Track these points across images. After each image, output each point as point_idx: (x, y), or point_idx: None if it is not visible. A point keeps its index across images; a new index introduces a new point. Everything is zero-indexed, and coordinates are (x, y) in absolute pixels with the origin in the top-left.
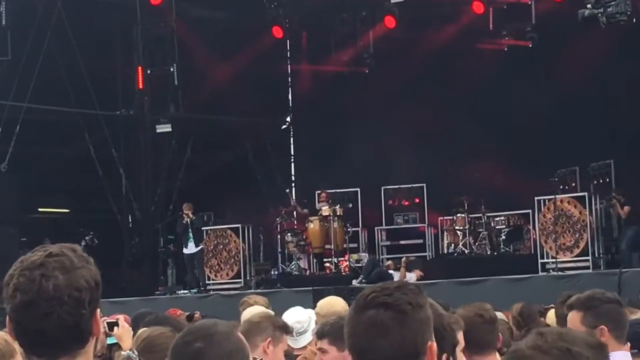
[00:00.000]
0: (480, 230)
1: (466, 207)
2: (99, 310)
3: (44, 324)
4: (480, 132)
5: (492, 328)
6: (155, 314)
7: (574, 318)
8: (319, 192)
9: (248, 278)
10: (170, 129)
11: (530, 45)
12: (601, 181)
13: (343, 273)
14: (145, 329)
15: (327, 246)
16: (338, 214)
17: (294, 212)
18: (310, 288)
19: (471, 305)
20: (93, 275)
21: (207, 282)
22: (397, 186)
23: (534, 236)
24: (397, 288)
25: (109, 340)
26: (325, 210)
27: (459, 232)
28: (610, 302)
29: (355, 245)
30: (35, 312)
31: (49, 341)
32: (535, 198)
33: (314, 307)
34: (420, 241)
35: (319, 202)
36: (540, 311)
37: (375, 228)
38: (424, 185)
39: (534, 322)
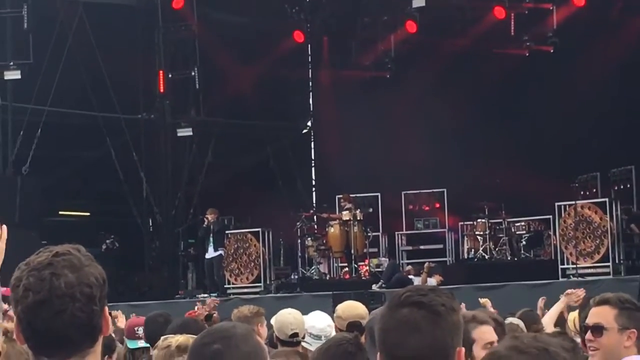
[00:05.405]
0: (501, 235)
1: (487, 213)
2: (107, 307)
3: (57, 322)
4: (501, 137)
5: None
6: (170, 316)
7: (605, 312)
8: (340, 196)
9: (268, 282)
10: (191, 133)
11: (552, 51)
12: (622, 187)
13: (363, 278)
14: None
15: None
16: (358, 218)
17: (315, 217)
18: (330, 292)
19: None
20: (100, 273)
21: (226, 286)
22: (417, 191)
23: (555, 242)
24: (432, 290)
25: (131, 345)
26: (346, 214)
27: (479, 238)
28: None
29: (375, 250)
30: (48, 311)
31: (61, 340)
32: (556, 204)
33: (333, 312)
34: (441, 246)
35: (341, 205)
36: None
37: (396, 233)
38: (445, 190)
39: (533, 328)
